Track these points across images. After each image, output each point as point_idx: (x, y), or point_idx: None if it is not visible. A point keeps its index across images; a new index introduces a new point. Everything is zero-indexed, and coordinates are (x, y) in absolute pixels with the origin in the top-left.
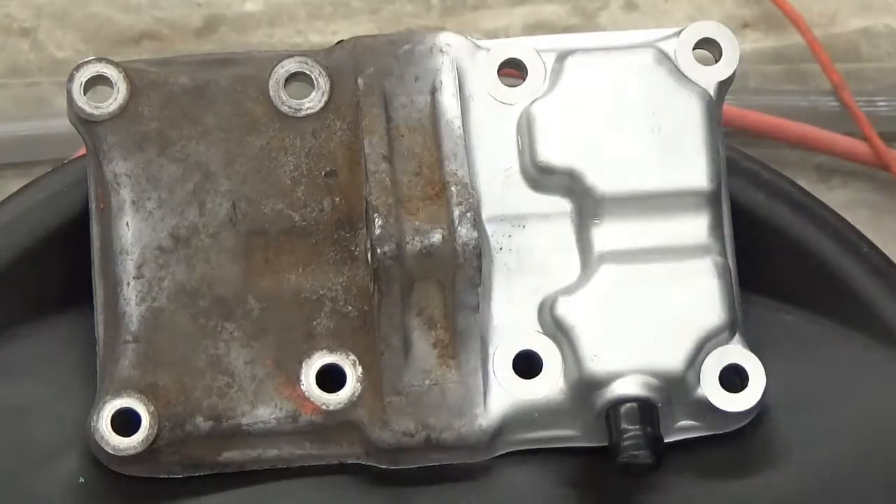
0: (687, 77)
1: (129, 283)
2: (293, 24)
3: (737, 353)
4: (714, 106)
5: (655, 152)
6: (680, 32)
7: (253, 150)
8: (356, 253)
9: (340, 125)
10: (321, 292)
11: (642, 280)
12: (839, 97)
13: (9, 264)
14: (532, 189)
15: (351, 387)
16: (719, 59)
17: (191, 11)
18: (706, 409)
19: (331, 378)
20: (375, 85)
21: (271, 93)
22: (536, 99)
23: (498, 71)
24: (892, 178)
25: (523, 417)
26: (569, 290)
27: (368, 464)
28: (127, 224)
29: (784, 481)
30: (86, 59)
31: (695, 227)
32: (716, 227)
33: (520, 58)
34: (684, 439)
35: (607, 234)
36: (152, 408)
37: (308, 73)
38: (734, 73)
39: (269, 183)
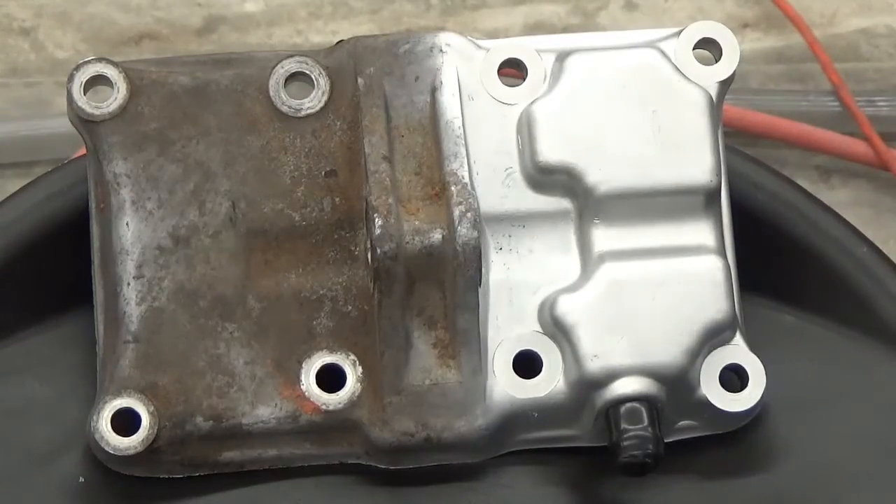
0: (687, 77)
1: (129, 283)
2: (293, 24)
3: (737, 353)
4: (714, 106)
5: (656, 152)
6: (680, 32)
7: (253, 150)
8: (356, 253)
9: (340, 125)
10: (321, 292)
11: (642, 280)
12: (839, 97)
13: (9, 264)
14: (532, 189)
15: (351, 387)
16: (719, 59)
17: (191, 11)
18: (706, 409)
19: (331, 378)
20: (375, 85)
21: (271, 93)
22: (536, 99)
23: (498, 71)
24: (892, 178)
25: (523, 417)
26: (569, 290)
27: (368, 464)
28: (127, 224)
29: (784, 481)
30: (86, 59)
31: (695, 227)
32: (716, 226)
33: (520, 58)
34: (684, 439)
35: (607, 234)
36: (152, 408)
37: (308, 73)
38: (734, 73)
39: (269, 183)
